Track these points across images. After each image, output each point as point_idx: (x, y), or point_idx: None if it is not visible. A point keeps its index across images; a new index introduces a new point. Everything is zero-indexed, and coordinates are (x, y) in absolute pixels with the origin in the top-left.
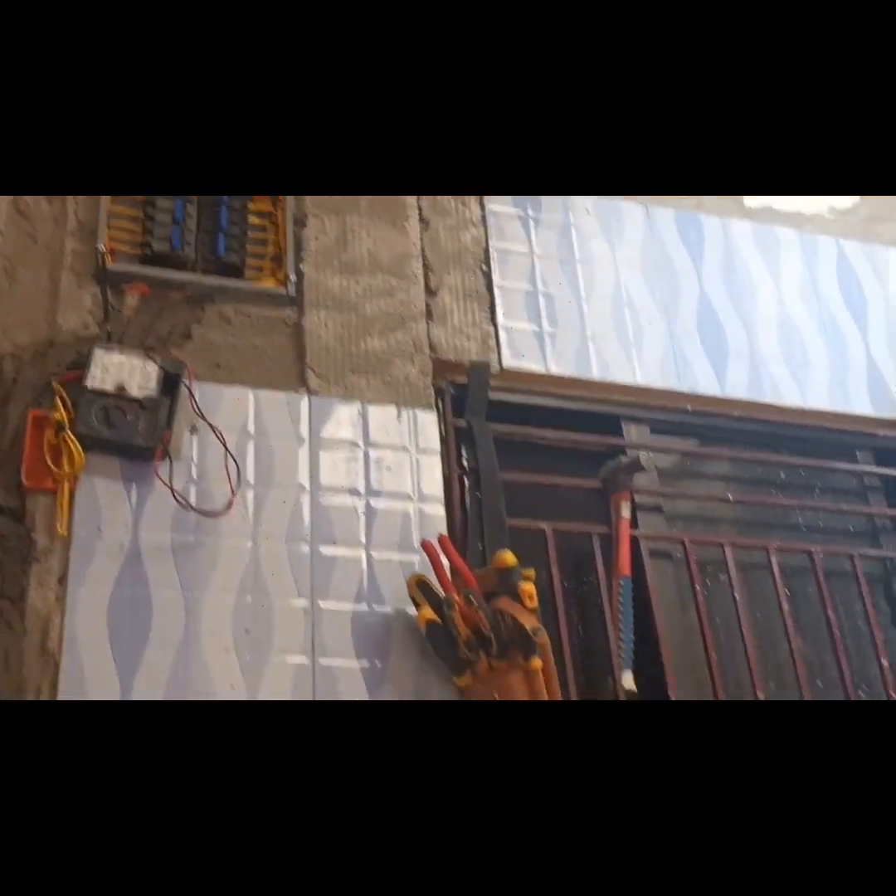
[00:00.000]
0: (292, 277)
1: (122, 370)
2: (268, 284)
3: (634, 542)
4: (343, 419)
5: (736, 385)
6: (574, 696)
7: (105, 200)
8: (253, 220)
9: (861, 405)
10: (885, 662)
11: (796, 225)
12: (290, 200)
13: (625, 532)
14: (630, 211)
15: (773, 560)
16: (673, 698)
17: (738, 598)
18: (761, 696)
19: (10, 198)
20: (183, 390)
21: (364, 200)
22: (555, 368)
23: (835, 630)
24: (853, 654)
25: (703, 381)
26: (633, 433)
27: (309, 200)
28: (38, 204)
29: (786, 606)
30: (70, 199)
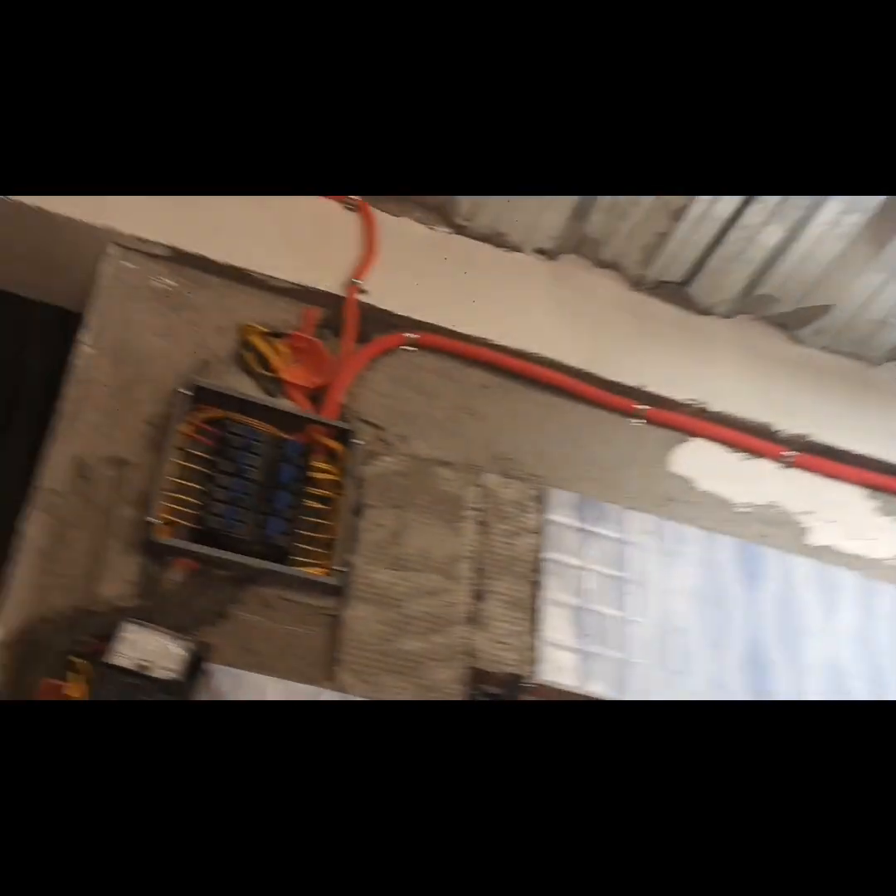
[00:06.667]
0: (341, 568)
1: (147, 649)
2: (314, 572)
3: None
4: None
5: None
6: None
7: (166, 469)
8: (311, 503)
9: None
10: None
11: (858, 567)
12: (350, 489)
13: None
14: (690, 535)
15: None
16: None
17: None
18: None
19: (76, 460)
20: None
21: (424, 497)
22: (592, 688)
23: None
24: None
25: None
26: None
27: (368, 488)
28: (100, 467)
29: None
30: (131, 464)
